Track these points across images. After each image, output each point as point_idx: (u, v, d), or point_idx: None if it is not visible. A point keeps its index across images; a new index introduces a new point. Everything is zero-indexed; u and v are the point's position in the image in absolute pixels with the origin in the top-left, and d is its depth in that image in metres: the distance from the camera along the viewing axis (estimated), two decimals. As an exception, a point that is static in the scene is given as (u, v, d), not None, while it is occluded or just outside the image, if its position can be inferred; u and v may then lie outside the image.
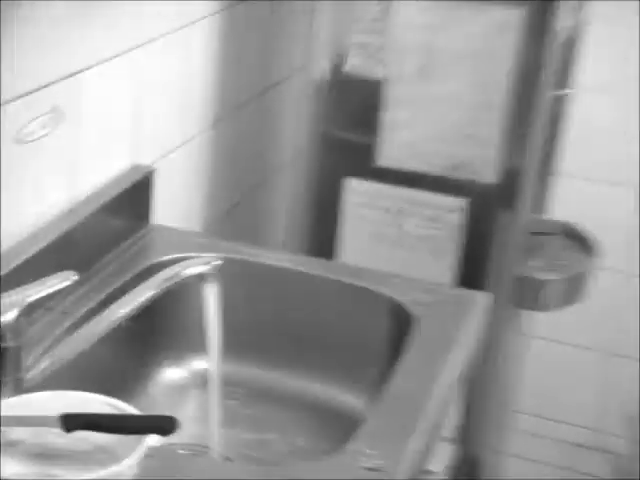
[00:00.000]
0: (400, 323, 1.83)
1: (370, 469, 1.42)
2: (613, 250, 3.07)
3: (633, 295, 3.27)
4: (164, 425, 1.32)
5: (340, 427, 1.70)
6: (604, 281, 2.87)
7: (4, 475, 1.26)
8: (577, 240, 2.72)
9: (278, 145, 2.71)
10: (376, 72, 2.30)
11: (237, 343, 1.86)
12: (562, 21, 2.26)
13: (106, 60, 1.82)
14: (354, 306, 1.93)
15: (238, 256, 1.97)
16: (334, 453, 1.48)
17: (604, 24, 2.96)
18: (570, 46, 2.60)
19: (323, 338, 1.93)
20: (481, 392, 2.47)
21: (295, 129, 2.51)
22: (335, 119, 2.36)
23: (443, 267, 2.38)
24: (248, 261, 1.98)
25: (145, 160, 2.02)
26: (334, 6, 2.30)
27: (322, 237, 2.44)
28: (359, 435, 1.51)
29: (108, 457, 1.29)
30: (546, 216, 2.83)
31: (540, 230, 2.69)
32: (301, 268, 2.04)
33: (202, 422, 1.75)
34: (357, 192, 2.37)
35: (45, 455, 1.32)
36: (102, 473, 1.22)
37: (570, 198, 3.01)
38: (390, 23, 2.26)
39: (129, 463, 1.25)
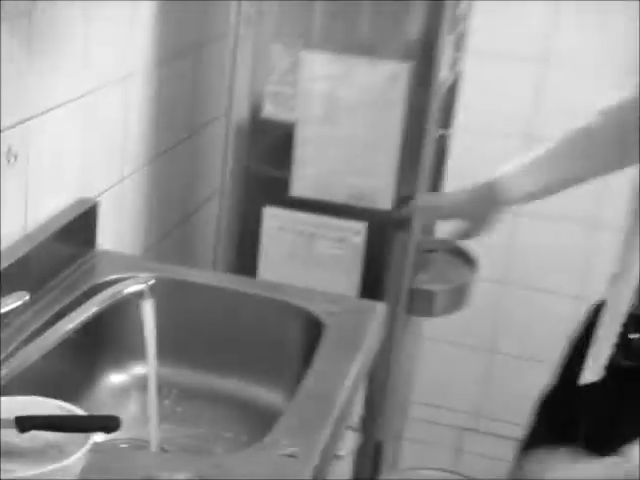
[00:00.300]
0: (312, 330, 1.83)
1: (287, 456, 1.41)
2: (492, 264, 3.10)
3: (508, 301, 3.30)
4: (107, 423, 1.32)
5: (262, 421, 1.68)
6: (483, 289, 2.88)
7: (-36, 472, 1.24)
8: (460, 256, 2.73)
9: (206, 179, 2.70)
10: (288, 116, 2.30)
11: (171, 350, 1.84)
12: (443, 72, 2.28)
13: (55, 107, 1.80)
14: (273, 316, 1.92)
15: (171, 275, 1.95)
16: (257, 443, 1.47)
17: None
18: (451, 92, 2.62)
19: (246, 344, 1.92)
20: (383, 386, 2.47)
21: (221, 165, 2.49)
22: (254, 156, 2.36)
23: (348, 282, 2.38)
24: (179, 280, 1.96)
25: (90, 194, 2.00)
26: (251, 60, 2.29)
27: (245, 258, 2.42)
28: (278, 427, 1.50)
29: (59, 453, 1.26)
30: (433, 236, 2.84)
31: (429, 248, 2.69)
32: (226, 285, 2.04)
33: (142, 420, 1.73)
34: (274, 218, 2.36)
35: (3, 453, 1.29)
36: (53, 467, 1.21)
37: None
38: (299, 75, 2.26)
39: (77, 457, 1.23)
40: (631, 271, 1.79)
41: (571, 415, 1.96)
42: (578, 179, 2.09)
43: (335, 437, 1.57)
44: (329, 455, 1.54)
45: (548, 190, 2.11)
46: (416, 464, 2.98)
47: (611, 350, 1.80)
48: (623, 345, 1.81)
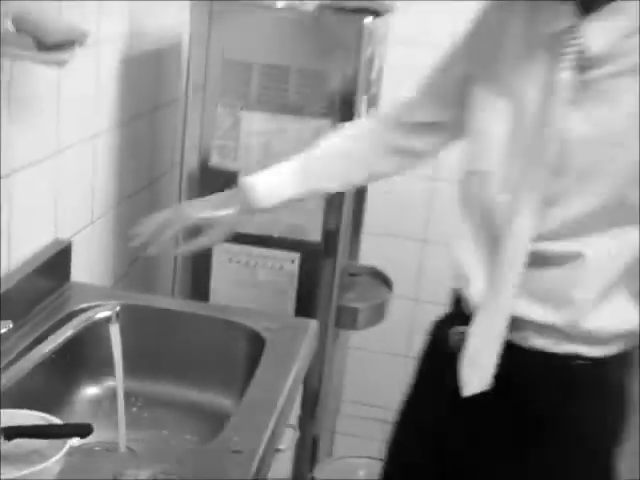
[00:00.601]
0: (255, 344, 1.83)
1: (236, 452, 1.43)
2: (405, 284, 3.12)
3: (420, 315, 3.32)
4: (81, 430, 1.33)
5: (214, 423, 1.69)
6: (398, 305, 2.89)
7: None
8: (378, 278, 2.75)
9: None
10: (232, 166, 2.29)
11: (137, 365, 1.82)
12: None
13: (34, 162, 1.80)
14: (222, 334, 1.92)
15: (135, 302, 1.95)
16: (211, 442, 1.49)
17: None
18: None
19: (201, 357, 1.92)
20: (317, 389, 2.47)
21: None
22: (207, 193, 2.34)
23: (286, 303, 2.38)
24: (143, 305, 1.96)
25: (65, 235, 1.99)
26: (199, 119, 2.29)
27: (199, 285, 2.42)
28: (228, 428, 1.51)
29: (40, 457, 1.26)
30: (356, 262, 2.85)
31: (353, 272, 2.71)
32: (183, 308, 2.05)
33: (112, 426, 1.71)
34: (223, 252, 2.36)
35: (-9, 458, 1.29)
36: (34, 469, 1.22)
37: (373, 247, 3.04)
38: (240, 131, 2.27)
39: (55, 460, 1.24)
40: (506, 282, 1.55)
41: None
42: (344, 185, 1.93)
43: (276, 434, 1.57)
44: (271, 449, 1.54)
45: (308, 196, 1.88)
46: (348, 454, 2.97)
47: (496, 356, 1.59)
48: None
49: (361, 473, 2.38)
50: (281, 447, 1.70)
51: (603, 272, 1.50)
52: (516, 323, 1.54)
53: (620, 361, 1.61)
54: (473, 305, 1.60)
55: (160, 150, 2.62)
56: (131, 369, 1.79)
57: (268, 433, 1.51)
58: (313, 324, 1.96)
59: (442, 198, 3.20)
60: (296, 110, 2.24)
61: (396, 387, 3.41)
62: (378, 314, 2.59)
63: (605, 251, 1.47)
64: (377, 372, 3.42)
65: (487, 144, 1.54)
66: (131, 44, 2.25)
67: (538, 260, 1.49)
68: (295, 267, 2.35)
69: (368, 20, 2.22)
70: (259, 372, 1.71)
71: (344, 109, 2.22)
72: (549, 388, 1.60)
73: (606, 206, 1.43)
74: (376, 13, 2.32)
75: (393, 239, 3.23)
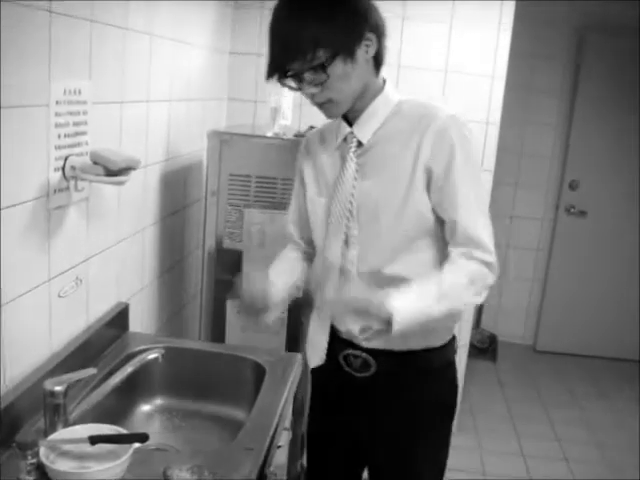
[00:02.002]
0: (259, 372, 1.84)
1: (248, 449, 1.45)
2: None
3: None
4: (141, 437, 1.35)
5: (232, 429, 1.68)
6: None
7: (62, 468, 1.26)
8: None
9: (191, 285, 2.72)
10: (238, 246, 2.34)
11: (177, 388, 1.88)
12: None
13: (102, 250, 1.83)
14: (235, 365, 1.91)
15: (174, 345, 1.95)
16: (230, 443, 1.50)
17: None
18: None
19: (221, 382, 1.91)
20: (303, 401, 2.44)
21: (200, 276, 2.51)
22: (220, 270, 2.38)
23: (277, 341, 2.40)
24: (179, 347, 1.96)
25: (124, 298, 2.01)
26: (215, 215, 2.33)
27: (217, 331, 2.43)
28: (241, 432, 1.53)
29: (114, 456, 1.29)
30: None
31: None
32: (207, 348, 2.05)
33: (162, 433, 1.74)
34: (233, 306, 2.38)
35: (82, 457, 1.32)
36: (112, 464, 1.25)
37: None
38: (243, 222, 2.31)
39: (125, 458, 1.28)
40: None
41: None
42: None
43: (276, 435, 1.59)
44: (274, 446, 1.56)
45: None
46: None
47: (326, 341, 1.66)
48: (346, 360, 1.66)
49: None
50: (280, 444, 1.70)
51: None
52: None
53: (451, 345, 1.69)
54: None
55: (189, 236, 2.64)
56: (173, 392, 1.86)
57: (271, 434, 1.53)
58: (298, 357, 1.96)
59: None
60: (282, 206, 2.28)
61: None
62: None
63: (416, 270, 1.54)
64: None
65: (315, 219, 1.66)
66: (167, 165, 2.30)
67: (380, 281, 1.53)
68: (285, 315, 2.37)
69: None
70: (262, 392, 1.73)
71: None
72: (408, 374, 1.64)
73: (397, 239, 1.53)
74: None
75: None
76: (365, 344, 1.61)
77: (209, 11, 2.75)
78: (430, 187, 1.49)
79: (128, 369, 1.62)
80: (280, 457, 1.84)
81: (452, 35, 3.04)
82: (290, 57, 1.40)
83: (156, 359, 1.71)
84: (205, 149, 2.35)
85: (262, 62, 2.92)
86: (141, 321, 2.18)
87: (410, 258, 1.54)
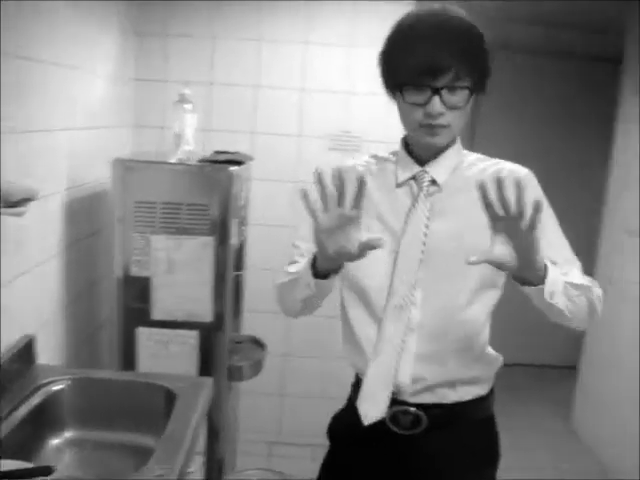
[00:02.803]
0: (170, 398, 1.83)
1: (158, 476, 1.44)
2: (277, 345, 3.18)
3: (290, 366, 3.38)
4: (45, 471, 1.34)
5: (145, 456, 1.61)
6: (271, 360, 2.91)
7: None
8: (256, 343, 2.77)
9: (102, 312, 2.68)
10: (146, 273, 2.33)
11: (87, 420, 1.84)
12: (233, 240, 2.37)
13: (4, 284, 1.79)
14: (146, 392, 1.90)
15: (83, 375, 1.93)
16: (141, 470, 1.49)
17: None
18: (240, 250, 2.70)
19: (134, 410, 1.89)
20: (218, 425, 2.47)
21: (107, 306, 2.48)
22: (129, 298, 2.35)
23: (191, 366, 2.39)
24: (88, 377, 1.94)
25: (30, 330, 1.96)
26: (122, 242, 2.32)
27: (128, 359, 2.40)
28: (152, 459, 1.52)
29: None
30: (239, 333, 2.88)
31: (238, 340, 2.73)
32: (117, 377, 2.05)
33: (73, 466, 1.72)
34: (144, 334, 2.36)
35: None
36: None
37: (253, 321, 3.10)
38: (150, 248, 2.30)
39: None
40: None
41: None
42: None
43: (187, 460, 1.57)
44: (184, 472, 1.54)
45: None
46: (246, 467, 2.98)
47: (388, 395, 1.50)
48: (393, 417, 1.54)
49: (254, 480, 2.41)
50: (190, 470, 1.70)
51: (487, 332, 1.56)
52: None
53: (493, 394, 1.64)
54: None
55: (97, 265, 2.62)
56: (84, 423, 1.83)
57: (181, 459, 1.52)
58: (209, 381, 1.96)
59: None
60: (187, 231, 2.29)
61: (276, 417, 3.49)
62: (257, 368, 2.61)
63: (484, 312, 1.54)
64: (261, 408, 3.44)
65: (378, 269, 1.51)
66: (70, 193, 2.28)
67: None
68: (196, 341, 2.36)
69: (234, 168, 2.33)
70: (173, 417, 1.71)
71: (221, 229, 2.30)
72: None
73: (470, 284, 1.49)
74: (240, 162, 2.44)
75: (267, 314, 3.30)
76: (412, 399, 1.52)
77: (111, 40, 2.75)
78: None
79: (34, 401, 1.61)
80: (194, 482, 1.84)
81: (351, 58, 3.14)
82: (448, 65, 1.35)
83: (62, 390, 1.68)
84: (110, 177, 2.33)
85: (168, 88, 3.04)
86: (49, 353, 2.14)
87: (483, 300, 1.54)
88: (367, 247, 1.30)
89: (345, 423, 1.64)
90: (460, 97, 1.39)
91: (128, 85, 3.06)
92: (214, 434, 2.42)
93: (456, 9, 1.42)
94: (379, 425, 1.53)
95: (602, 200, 4.03)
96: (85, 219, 2.48)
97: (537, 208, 1.21)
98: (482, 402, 1.58)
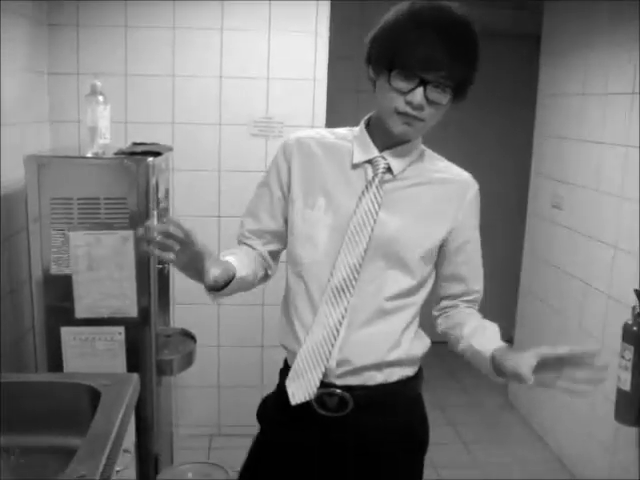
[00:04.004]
0: (94, 397, 1.81)
1: (80, 476, 1.42)
2: (207, 336, 3.16)
3: (222, 358, 3.37)
4: None
5: (70, 458, 1.57)
6: (202, 351, 2.90)
7: None
8: (186, 335, 2.76)
9: (25, 315, 2.63)
10: (66, 271, 2.29)
11: (14, 424, 1.81)
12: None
13: None
14: (71, 393, 1.87)
15: (7, 380, 1.89)
16: (65, 471, 1.46)
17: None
18: None
19: (60, 411, 1.86)
20: (150, 420, 2.46)
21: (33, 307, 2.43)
22: (51, 297, 2.32)
23: (119, 363, 2.37)
24: (13, 381, 1.90)
25: None
26: (40, 242, 2.28)
27: (54, 360, 2.36)
28: (74, 460, 1.49)
29: None
30: (169, 326, 2.87)
31: (168, 334, 2.73)
32: (43, 379, 2.01)
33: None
34: (68, 333, 2.33)
35: None
36: None
37: (183, 314, 3.08)
38: (69, 246, 2.27)
39: None
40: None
41: None
42: None
43: (112, 459, 1.56)
44: (108, 471, 1.52)
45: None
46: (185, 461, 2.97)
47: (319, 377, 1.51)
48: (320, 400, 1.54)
49: (189, 475, 2.39)
50: (119, 468, 1.67)
51: (411, 318, 1.58)
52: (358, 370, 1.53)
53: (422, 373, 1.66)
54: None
55: (17, 267, 2.56)
56: (10, 428, 1.79)
57: (104, 458, 1.50)
58: (134, 377, 1.93)
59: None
60: (107, 226, 2.27)
61: (214, 409, 3.48)
62: (188, 361, 2.60)
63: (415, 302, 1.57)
64: (198, 401, 3.44)
65: (319, 244, 1.52)
66: None
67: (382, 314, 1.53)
68: (122, 337, 2.34)
69: (151, 159, 2.30)
70: (97, 416, 1.69)
71: (141, 222, 2.25)
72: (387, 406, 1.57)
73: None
74: (157, 153, 2.42)
75: (197, 306, 3.29)
76: (339, 381, 1.53)
77: (21, 32, 2.68)
78: (447, 247, 1.57)
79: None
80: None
81: (271, 44, 3.13)
82: (444, 62, 1.37)
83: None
84: (23, 174, 2.28)
85: (83, 81, 2.98)
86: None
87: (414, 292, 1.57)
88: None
89: (274, 405, 1.65)
90: (443, 96, 1.40)
91: (42, 79, 2.99)
92: (145, 430, 2.40)
93: (462, 10, 1.42)
94: (306, 407, 1.54)
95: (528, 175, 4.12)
96: (2, 221, 2.43)
97: None
98: (409, 382, 1.59)
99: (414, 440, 1.64)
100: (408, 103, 1.40)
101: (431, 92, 1.39)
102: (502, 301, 4.57)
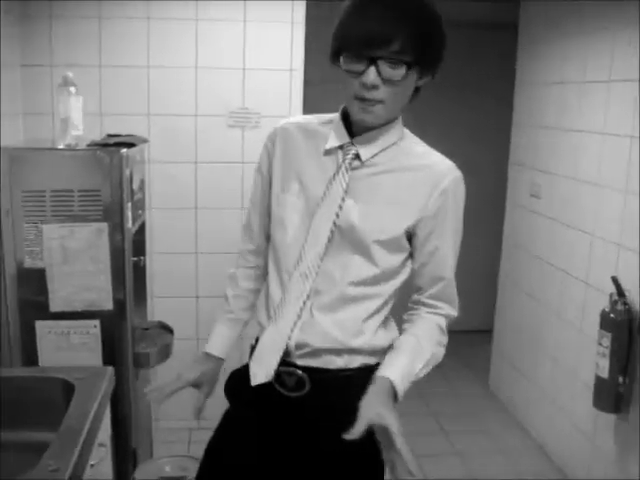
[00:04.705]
0: (68, 390, 1.80)
1: (53, 471, 1.42)
2: (184, 329, 3.13)
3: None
4: None
5: (41, 452, 1.57)
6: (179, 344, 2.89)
7: None
8: (164, 328, 2.75)
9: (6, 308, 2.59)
10: (40, 264, 2.27)
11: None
12: (128, 224, 2.32)
13: None
14: (44, 386, 1.86)
15: None
16: (37, 466, 1.45)
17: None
18: (139, 233, 2.64)
19: (33, 406, 1.84)
20: (127, 414, 2.44)
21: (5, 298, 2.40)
22: (24, 291, 2.29)
23: (95, 357, 2.34)
24: None
25: None
26: (12, 234, 2.25)
27: (29, 355, 2.34)
28: (46, 454, 1.49)
29: None
30: (146, 319, 2.85)
31: (146, 327, 2.71)
32: (14, 373, 2.00)
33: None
34: (43, 327, 2.31)
35: None
36: None
37: (161, 307, 3.06)
38: (43, 239, 2.25)
39: None
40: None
41: None
42: None
43: (85, 452, 1.55)
44: (81, 465, 1.52)
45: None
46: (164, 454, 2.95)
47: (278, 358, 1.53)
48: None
49: (167, 468, 2.38)
50: (93, 462, 1.66)
51: (378, 307, 1.56)
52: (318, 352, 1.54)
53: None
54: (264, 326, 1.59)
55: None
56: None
57: (75, 454, 1.49)
58: (109, 370, 1.93)
59: (206, 267, 3.28)
60: (81, 218, 2.25)
61: (191, 402, 3.44)
62: (165, 353, 2.59)
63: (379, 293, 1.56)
64: (179, 394, 3.41)
65: (288, 228, 1.55)
66: None
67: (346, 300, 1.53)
68: (97, 330, 2.32)
69: (124, 150, 2.28)
70: (70, 410, 1.68)
71: (115, 214, 2.26)
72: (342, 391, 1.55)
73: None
74: (131, 145, 2.39)
75: (175, 299, 3.28)
76: (300, 362, 1.54)
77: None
78: (417, 237, 1.53)
79: None
80: (104, 474, 1.81)
81: (247, 34, 3.11)
82: (389, 36, 1.34)
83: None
84: (-6, 167, 2.25)
85: (57, 73, 2.95)
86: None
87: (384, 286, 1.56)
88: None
89: (239, 381, 1.67)
90: (398, 72, 1.37)
91: (14, 71, 2.96)
92: (122, 424, 2.38)
93: None
94: (268, 385, 1.56)
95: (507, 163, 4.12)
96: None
97: None
98: (370, 370, 1.53)
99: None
100: (362, 85, 1.38)
101: (384, 69, 1.36)
102: (482, 291, 4.62)
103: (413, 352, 1.51)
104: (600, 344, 2.69)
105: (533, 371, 3.69)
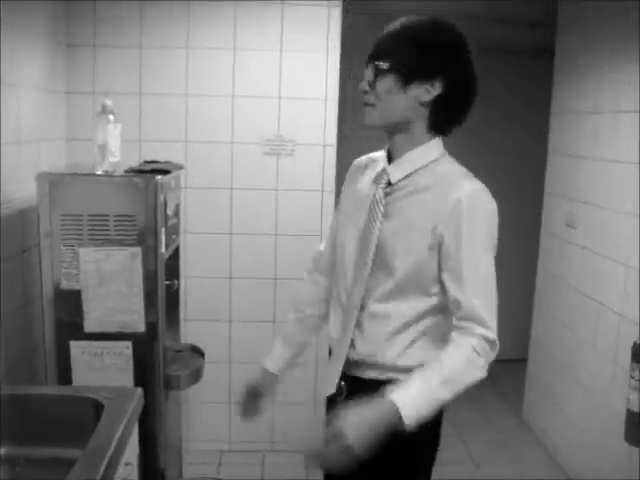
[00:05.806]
0: (97, 409, 1.83)
1: None
2: (217, 352, 3.16)
3: (233, 375, 3.39)
4: None
5: (68, 468, 1.58)
6: (210, 367, 2.91)
7: None
8: (195, 351, 2.78)
9: (35, 329, 2.65)
10: (76, 286, 2.32)
11: (21, 436, 1.85)
12: (161, 250, 2.36)
13: None
14: (75, 405, 1.90)
15: (15, 392, 1.92)
16: None
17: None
18: (173, 258, 2.67)
19: (64, 424, 1.88)
20: (155, 434, 2.46)
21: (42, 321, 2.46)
22: (60, 310, 2.35)
23: (127, 377, 2.38)
24: (20, 394, 1.93)
25: None
26: (50, 257, 2.31)
27: (64, 374, 2.39)
28: (72, 471, 1.52)
29: None
30: (179, 342, 2.88)
31: (178, 349, 2.74)
32: (51, 392, 2.05)
33: None
34: (77, 347, 2.35)
35: None
36: None
37: (194, 330, 3.10)
38: (79, 261, 2.30)
39: None
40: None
41: None
42: None
43: (111, 470, 1.58)
44: None
45: None
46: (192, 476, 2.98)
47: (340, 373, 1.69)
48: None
49: (196, 491, 2.41)
50: None
51: (402, 326, 1.62)
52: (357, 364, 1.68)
53: None
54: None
55: (30, 281, 2.60)
56: (17, 440, 1.84)
57: (101, 472, 1.51)
58: (138, 391, 1.96)
59: (239, 291, 3.32)
60: (116, 242, 2.30)
61: (223, 425, 3.49)
62: (195, 376, 2.62)
63: (400, 312, 1.62)
64: (208, 415, 3.45)
65: (347, 253, 1.70)
66: None
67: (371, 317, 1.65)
68: (130, 352, 2.37)
69: (160, 177, 2.34)
70: (98, 428, 1.71)
71: (150, 238, 2.31)
72: None
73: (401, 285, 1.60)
74: (166, 171, 2.45)
75: (208, 322, 3.32)
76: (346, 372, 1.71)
77: (39, 52, 2.74)
78: (440, 252, 1.57)
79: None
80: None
81: (283, 63, 3.18)
82: (375, 45, 1.59)
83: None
84: (34, 192, 2.32)
85: (99, 100, 3.03)
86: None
87: (402, 304, 1.63)
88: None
89: None
90: (382, 79, 1.56)
91: (59, 97, 3.05)
92: (151, 444, 2.41)
93: (437, 19, 1.59)
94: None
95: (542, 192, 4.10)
96: (17, 236, 2.48)
97: None
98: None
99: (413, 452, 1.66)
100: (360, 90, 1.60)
101: (367, 74, 1.58)
102: (516, 319, 4.57)
103: (430, 373, 1.49)
104: (632, 377, 2.65)
105: (566, 402, 3.64)
